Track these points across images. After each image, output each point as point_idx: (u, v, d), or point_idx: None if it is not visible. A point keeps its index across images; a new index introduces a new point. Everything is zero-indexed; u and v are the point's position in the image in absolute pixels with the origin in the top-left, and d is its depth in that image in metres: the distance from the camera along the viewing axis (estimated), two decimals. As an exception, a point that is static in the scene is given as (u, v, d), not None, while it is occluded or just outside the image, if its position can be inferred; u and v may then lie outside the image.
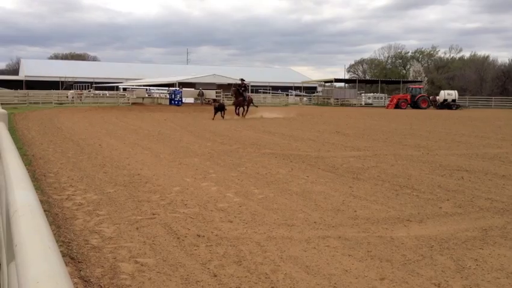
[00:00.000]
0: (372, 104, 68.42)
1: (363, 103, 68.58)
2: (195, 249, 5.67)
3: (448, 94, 58.01)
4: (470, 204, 8.01)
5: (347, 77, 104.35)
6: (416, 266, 5.25)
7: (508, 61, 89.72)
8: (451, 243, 6.00)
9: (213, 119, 27.59)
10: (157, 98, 53.81)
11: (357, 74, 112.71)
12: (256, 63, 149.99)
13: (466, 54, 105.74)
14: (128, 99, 49.52)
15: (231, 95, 31.46)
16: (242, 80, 31.28)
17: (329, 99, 66.54)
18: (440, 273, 5.10)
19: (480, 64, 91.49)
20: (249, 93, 37.85)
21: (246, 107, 30.14)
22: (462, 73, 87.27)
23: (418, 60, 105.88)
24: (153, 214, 7.17)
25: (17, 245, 0.99)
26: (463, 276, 5.05)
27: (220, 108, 28.26)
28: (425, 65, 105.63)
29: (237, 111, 29.69)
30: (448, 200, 8.32)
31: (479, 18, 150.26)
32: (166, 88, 56.63)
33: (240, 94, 29.91)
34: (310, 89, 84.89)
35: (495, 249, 5.82)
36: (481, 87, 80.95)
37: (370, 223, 6.87)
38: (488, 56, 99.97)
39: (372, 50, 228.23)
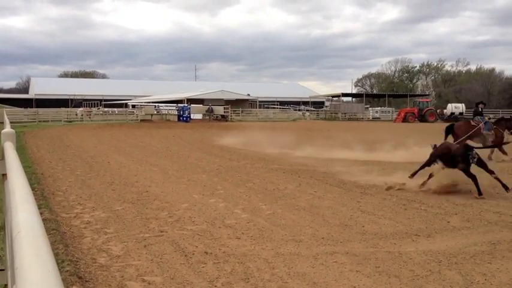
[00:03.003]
0: (379, 118, 68.41)
1: (371, 117, 68.62)
2: (203, 267, 5.66)
3: (455, 107, 58.13)
4: (479, 218, 7.97)
5: (354, 91, 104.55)
6: (424, 282, 5.22)
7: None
8: (460, 258, 5.97)
9: (423, 183, 10.68)
10: (166, 114, 54.04)
11: (365, 88, 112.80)
12: (263, 79, 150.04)
13: (473, 67, 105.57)
14: (137, 116, 49.74)
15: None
16: (483, 103, 17.96)
17: (337, 113, 66.64)
18: (448, 288, 5.06)
19: (487, 77, 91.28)
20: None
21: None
22: (469, 86, 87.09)
23: (425, 74, 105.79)
24: (161, 231, 7.18)
25: (18, 267, 1.01)
26: (472, 291, 5.01)
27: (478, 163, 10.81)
28: (433, 78, 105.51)
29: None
30: (456, 214, 8.28)
31: (489, 30, 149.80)
32: (175, 105, 56.92)
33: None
34: (318, 104, 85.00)
35: (504, 263, 5.78)
36: (488, 100, 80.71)
37: (378, 238, 6.84)
38: (494, 69, 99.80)
39: (380, 64, 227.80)
